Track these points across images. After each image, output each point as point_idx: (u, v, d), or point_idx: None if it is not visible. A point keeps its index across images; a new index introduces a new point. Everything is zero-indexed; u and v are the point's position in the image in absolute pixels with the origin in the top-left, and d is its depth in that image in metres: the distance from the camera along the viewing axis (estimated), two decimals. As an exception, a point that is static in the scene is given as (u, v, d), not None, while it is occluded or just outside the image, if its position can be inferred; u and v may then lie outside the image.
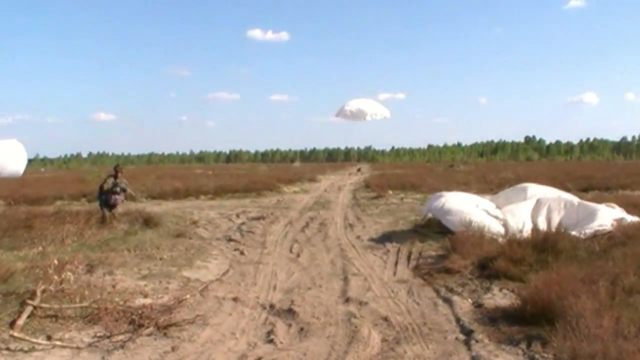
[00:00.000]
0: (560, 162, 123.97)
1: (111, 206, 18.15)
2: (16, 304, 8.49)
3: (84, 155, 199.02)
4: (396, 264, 12.41)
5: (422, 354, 6.94)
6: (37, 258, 12.17)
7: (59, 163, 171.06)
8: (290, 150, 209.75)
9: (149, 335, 7.65)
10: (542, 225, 13.43)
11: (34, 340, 7.26)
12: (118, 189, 18.17)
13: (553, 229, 12.51)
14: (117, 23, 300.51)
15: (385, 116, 18.40)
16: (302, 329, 7.96)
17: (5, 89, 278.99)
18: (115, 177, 18.21)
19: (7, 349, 7.09)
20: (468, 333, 7.60)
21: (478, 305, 8.87)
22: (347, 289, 10.20)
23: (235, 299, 9.58)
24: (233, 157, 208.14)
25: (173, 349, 7.22)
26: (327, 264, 12.69)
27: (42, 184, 40.28)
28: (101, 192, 18.31)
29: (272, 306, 9.21)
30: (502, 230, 13.86)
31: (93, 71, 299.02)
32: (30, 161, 17.67)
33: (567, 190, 18.88)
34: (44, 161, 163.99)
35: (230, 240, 16.00)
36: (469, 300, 9.22)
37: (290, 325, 8.15)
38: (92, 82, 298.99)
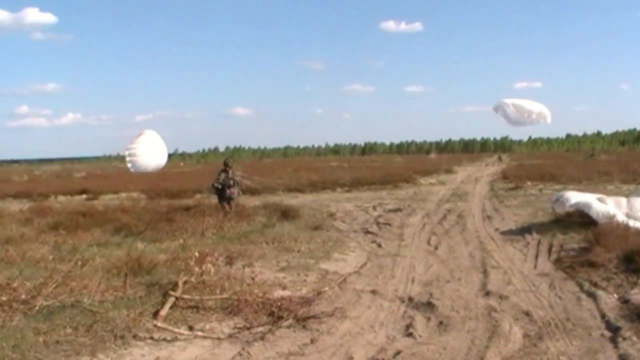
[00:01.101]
0: None
1: (228, 199, 18.50)
2: (159, 294, 8.82)
3: (221, 149, 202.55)
4: (537, 256, 12.13)
5: (566, 350, 6.75)
6: (179, 250, 12.57)
7: (197, 157, 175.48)
8: (425, 141, 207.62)
9: (288, 327, 7.74)
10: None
11: (177, 330, 7.50)
12: (232, 182, 18.54)
13: None
14: (252, 19, 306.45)
15: (547, 120, 17.09)
16: (441, 322, 7.89)
17: (147, 86, 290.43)
18: (226, 171, 18.55)
19: (151, 338, 7.35)
20: (614, 330, 7.34)
21: (624, 301, 8.54)
22: (487, 282, 10.05)
23: (373, 292, 9.59)
24: (368, 149, 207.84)
25: (312, 341, 7.29)
26: (466, 256, 12.54)
27: (182, 177, 41.62)
28: (216, 189, 18.72)
29: (410, 299, 9.16)
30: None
31: (230, 66, 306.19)
32: (169, 156, 18.44)
33: None
34: (183, 156, 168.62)
35: (367, 232, 16.03)
36: (615, 295, 8.90)
37: (429, 319, 8.10)
38: (230, 77, 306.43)
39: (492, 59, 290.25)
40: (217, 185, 18.47)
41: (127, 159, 16.32)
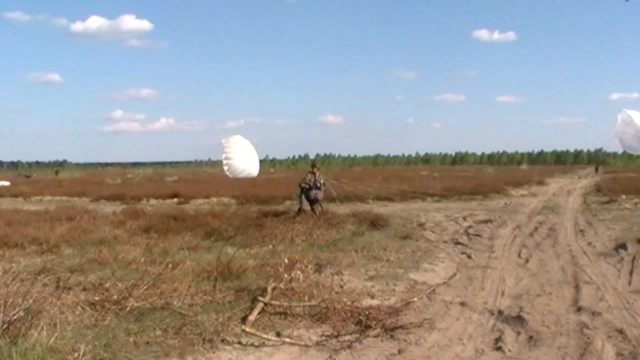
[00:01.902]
0: None
1: (312, 201, 18.90)
2: (248, 300, 8.94)
3: (311, 156, 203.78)
4: (631, 272, 11.80)
5: (661, 370, 6.58)
6: (268, 256, 12.74)
7: (287, 164, 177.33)
8: (517, 152, 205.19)
9: (375, 336, 7.71)
10: None
11: (264, 336, 7.53)
12: (318, 184, 19.28)
13: None
14: (345, 28, 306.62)
15: None
16: (531, 337, 7.75)
17: (239, 93, 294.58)
18: (313, 173, 18.94)
19: (239, 343, 7.42)
20: None
21: None
22: (579, 298, 9.82)
23: (462, 304, 9.49)
24: (458, 159, 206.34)
25: (399, 351, 7.25)
26: (557, 270, 12.29)
27: (272, 184, 42.01)
28: (302, 189, 19.10)
29: (500, 312, 9.03)
30: None
31: (322, 75, 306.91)
32: (260, 162, 18.91)
33: None
34: (273, 162, 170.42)
35: (457, 243, 15.91)
36: None
37: (518, 333, 7.96)
38: (322, 85, 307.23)
39: (587, 69, 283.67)
40: (304, 186, 18.96)
41: (224, 162, 16.74)
